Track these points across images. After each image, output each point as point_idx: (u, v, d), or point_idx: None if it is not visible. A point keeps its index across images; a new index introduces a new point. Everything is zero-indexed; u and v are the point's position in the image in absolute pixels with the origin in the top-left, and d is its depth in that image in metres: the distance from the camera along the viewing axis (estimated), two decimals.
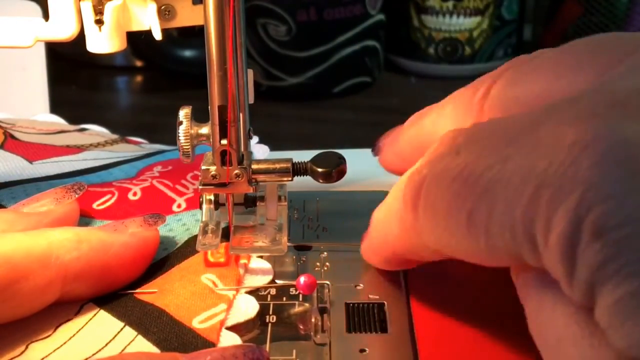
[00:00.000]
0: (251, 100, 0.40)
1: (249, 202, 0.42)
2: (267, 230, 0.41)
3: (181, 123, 0.39)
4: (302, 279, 0.37)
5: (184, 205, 0.45)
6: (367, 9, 0.92)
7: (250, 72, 0.39)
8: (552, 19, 0.96)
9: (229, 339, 0.35)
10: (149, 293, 0.38)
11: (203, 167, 0.39)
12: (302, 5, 0.88)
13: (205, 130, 0.39)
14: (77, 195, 0.42)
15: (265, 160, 0.40)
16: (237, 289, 0.38)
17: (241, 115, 0.38)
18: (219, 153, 0.38)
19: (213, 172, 0.39)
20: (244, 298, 0.37)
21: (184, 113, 0.40)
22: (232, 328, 0.36)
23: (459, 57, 0.97)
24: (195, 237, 0.42)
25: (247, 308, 0.37)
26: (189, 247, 0.41)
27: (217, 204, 0.41)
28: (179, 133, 0.39)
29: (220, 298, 0.37)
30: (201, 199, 0.42)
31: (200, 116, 0.42)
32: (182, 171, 0.48)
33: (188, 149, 0.40)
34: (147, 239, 0.39)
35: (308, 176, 0.40)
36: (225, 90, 0.37)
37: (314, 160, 0.40)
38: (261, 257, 0.40)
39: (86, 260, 0.36)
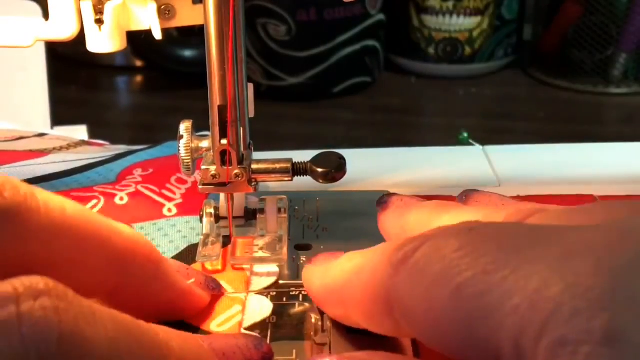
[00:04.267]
0: (251, 114, 0.40)
1: (249, 215, 0.42)
2: (267, 241, 0.41)
3: (182, 137, 0.39)
4: None
5: (174, 211, 0.45)
6: (367, 9, 0.92)
7: (251, 87, 0.39)
8: (552, 19, 0.96)
9: None
10: None
11: (203, 167, 0.39)
12: (302, 5, 0.88)
13: (205, 143, 0.39)
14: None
15: (265, 160, 0.40)
16: (247, 292, 0.38)
17: (241, 118, 0.38)
18: (218, 153, 0.38)
19: (213, 172, 0.39)
20: (256, 299, 0.38)
21: (184, 127, 0.40)
22: (249, 328, 0.36)
23: (459, 57, 0.97)
24: (193, 246, 0.42)
25: (261, 308, 0.37)
26: (189, 256, 0.41)
27: (218, 218, 0.41)
28: (179, 147, 0.39)
29: (233, 300, 0.37)
30: (201, 212, 0.42)
31: (200, 116, 0.42)
32: (165, 174, 0.48)
33: (189, 162, 0.40)
34: (198, 298, 0.36)
35: (308, 176, 0.40)
36: (225, 90, 0.37)
37: (314, 161, 0.40)
38: None
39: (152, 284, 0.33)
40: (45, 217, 0.28)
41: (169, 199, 0.46)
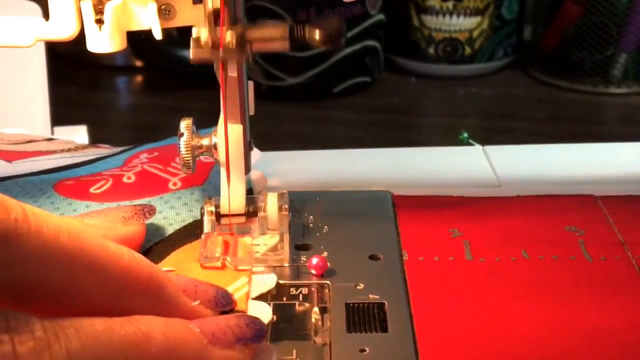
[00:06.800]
0: (251, 112, 0.40)
1: (250, 213, 0.42)
2: (268, 240, 0.41)
3: (182, 135, 0.39)
4: (314, 260, 0.39)
5: (179, 184, 0.46)
6: (367, 9, 0.92)
7: (251, 84, 0.39)
8: (552, 19, 0.96)
9: (257, 307, 0.36)
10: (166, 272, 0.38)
11: (194, 36, 0.37)
12: (302, 5, 0.89)
13: (206, 141, 0.39)
14: (145, 219, 0.42)
15: (262, 23, 0.37)
16: (252, 267, 0.39)
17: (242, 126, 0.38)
18: (211, 14, 0.35)
19: (205, 39, 0.36)
20: (260, 275, 0.39)
21: (185, 124, 0.40)
22: (257, 299, 0.37)
23: (459, 57, 0.97)
24: (198, 221, 0.42)
25: (266, 280, 0.38)
26: (196, 229, 0.42)
27: (219, 216, 0.41)
28: (179, 144, 0.39)
29: (239, 272, 0.39)
30: (202, 211, 0.42)
31: (200, 116, 0.42)
32: (170, 156, 0.49)
33: (189, 159, 0.40)
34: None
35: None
36: None
37: (313, 24, 0.36)
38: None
39: None
40: (36, 244, 0.27)
41: (174, 174, 0.47)
